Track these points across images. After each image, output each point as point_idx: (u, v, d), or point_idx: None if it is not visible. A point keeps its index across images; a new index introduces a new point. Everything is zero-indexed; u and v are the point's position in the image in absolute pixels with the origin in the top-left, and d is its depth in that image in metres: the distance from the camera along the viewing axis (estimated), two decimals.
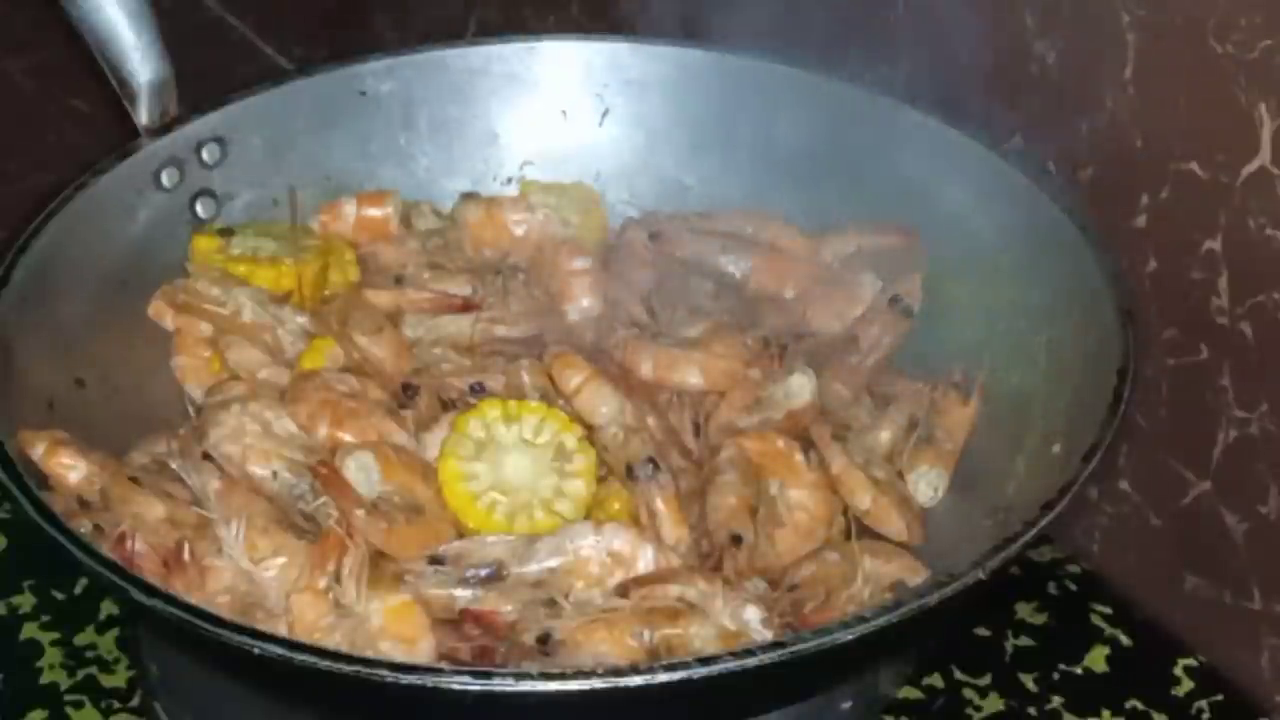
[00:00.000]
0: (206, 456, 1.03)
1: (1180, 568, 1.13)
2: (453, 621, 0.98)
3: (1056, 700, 1.08)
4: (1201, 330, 1.07)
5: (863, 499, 1.05)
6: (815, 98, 1.21)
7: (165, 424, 1.09)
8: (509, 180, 1.28)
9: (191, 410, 1.12)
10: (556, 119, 1.27)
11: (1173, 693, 1.09)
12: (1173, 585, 1.14)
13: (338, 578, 0.96)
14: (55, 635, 1.12)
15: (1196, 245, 1.05)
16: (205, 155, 1.18)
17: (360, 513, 0.99)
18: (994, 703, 1.08)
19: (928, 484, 1.08)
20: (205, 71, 1.24)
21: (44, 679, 1.09)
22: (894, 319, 1.14)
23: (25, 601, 1.14)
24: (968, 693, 1.09)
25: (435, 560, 1.00)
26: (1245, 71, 0.99)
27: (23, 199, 1.12)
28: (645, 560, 0.99)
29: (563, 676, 0.84)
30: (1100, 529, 1.18)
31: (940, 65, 1.17)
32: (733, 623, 0.95)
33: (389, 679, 0.83)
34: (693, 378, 1.11)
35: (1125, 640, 1.12)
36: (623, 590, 0.98)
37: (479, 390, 1.10)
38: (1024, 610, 1.14)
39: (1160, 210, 1.08)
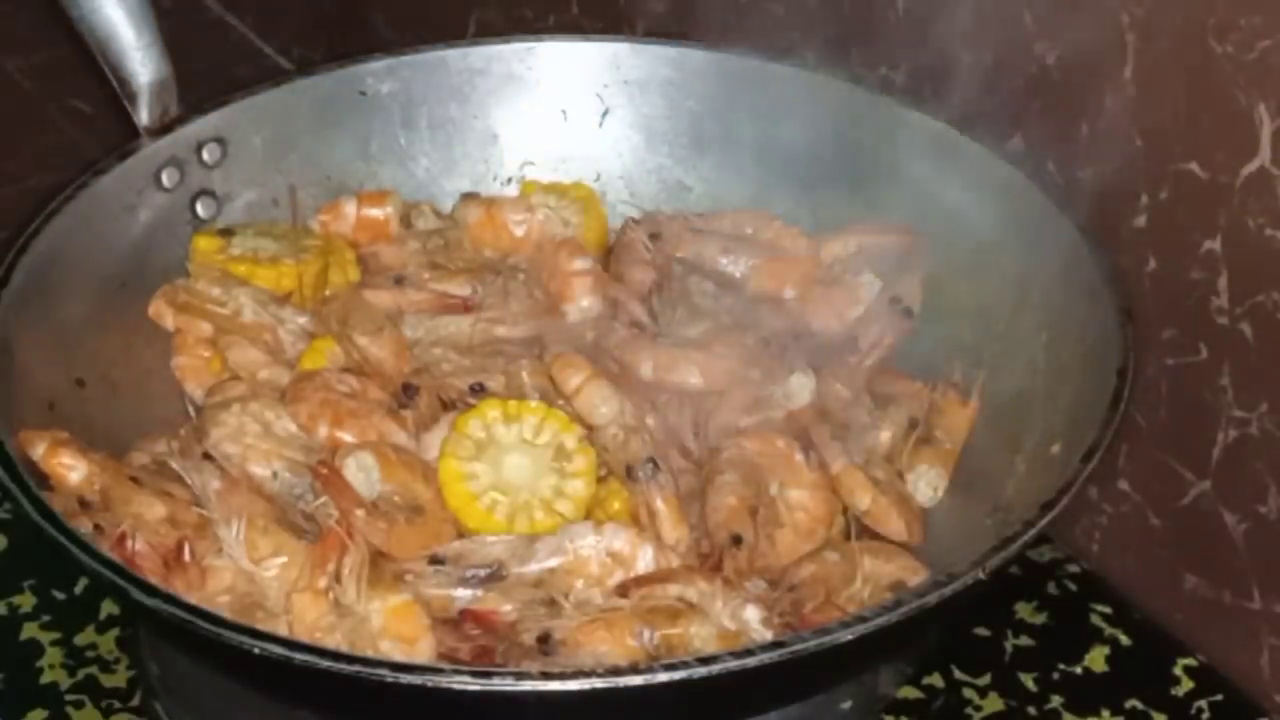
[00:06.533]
0: (207, 456, 1.03)
1: (1180, 567, 1.13)
2: (453, 621, 0.98)
3: (1056, 700, 1.08)
4: (1201, 330, 1.07)
5: (862, 499, 1.05)
6: (815, 98, 1.21)
7: (165, 424, 1.09)
8: (509, 180, 1.28)
9: (191, 410, 1.12)
10: (556, 119, 1.27)
11: (1172, 693, 1.09)
12: (1172, 585, 1.14)
13: (338, 578, 0.96)
14: (55, 635, 1.12)
15: (1196, 245, 1.05)
16: (205, 155, 1.18)
17: (360, 513, 0.99)
18: (994, 703, 1.08)
19: (928, 484, 1.08)
20: (205, 71, 1.24)
21: (44, 679, 1.09)
22: (894, 319, 1.14)
23: (25, 601, 1.14)
24: (968, 693, 1.09)
25: (435, 560, 1.00)
26: (1245, 71, 0.99)
27: (23, 199, 1.12)
28: (645, 560, 0.99)
29: (563, 676, 0.84)
30: (1100, 529, 1.18)
31: (940, 65, 1.17)
32: (733, 623, 0.95)
33: (389, 679, 0.83)
34: (693, 378, 1.11)
35: (1125, 640, 1.12)
36: (623, 590, 0.98)
37: (479, 390, 1.10)
38: (1024, 610, 1.14)
39: (1160, 210, 1.08)
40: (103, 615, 1.13)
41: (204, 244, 1.17)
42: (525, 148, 1.28)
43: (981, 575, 0.89)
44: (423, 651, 0.96)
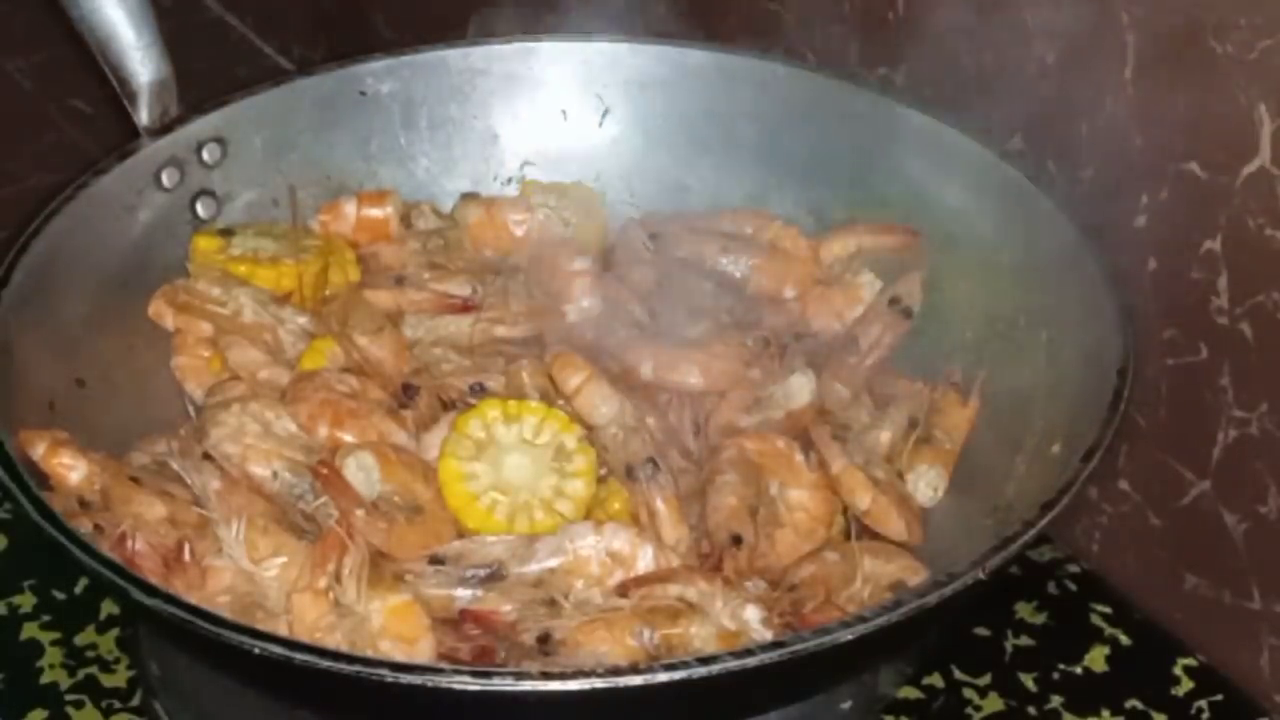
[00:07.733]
0: (207, 456, 1.03)
1: (1180, 567, 1.13)
2: (453, 621, 0.98)
3: (1056, 700, 1.08)
4: (1201, 330, 1.07)
5: (863, 499, 1.05)
6: (815, 98, 1.21)
7: (165, 424, 1.09)
8: (509, 180, 1.28)
9: (191, 410, 1.12)
10: (556, 119, 1.27)
11: (1172, 692, 1.09)
12: (1172, 585, 1.14)
13: (338, 578, 0.96)
14: (55, 635, 1.12)
15: (1196, 245, 1.05)
16: (205, 155, 1.18)
17: (360, 513, 0.99)
18: (994, 703, 1.08)
19: (927, 484, 1.08)
20: (205, 71, 1.24)
21: (44, 679, 1.09)
22: (894, 319, 1.14)
23: (25, 601, 1.14)
24: (968, 693, 1.09)
25: (435, 560, 1.00)
26: (1245, 71, 0.99)
27: (23, 199, 1.12)
28: (645, 560, 0.99)
29: (563, 676, 0.84)
30: (1100, 529, 1.18)
31: (940, 65, 1.17)
32: (733, 623, 0.95)
33: (389, 679, 0.83)
34: (693, 378, 1.11)
35: (1125, 640, 1.12)
36: (623, 590, 0.98)
37: (479, 390, 1.10)
38: (1024, 610, 1.14)
39: (1160, 210, 1.08)
40: (103, 615, 1.13)
41: (204, 244, 1.17)
42: (525, 148, 1.28)
43: (981, 575, 0.89)
44: (423, 651, 0.96)
